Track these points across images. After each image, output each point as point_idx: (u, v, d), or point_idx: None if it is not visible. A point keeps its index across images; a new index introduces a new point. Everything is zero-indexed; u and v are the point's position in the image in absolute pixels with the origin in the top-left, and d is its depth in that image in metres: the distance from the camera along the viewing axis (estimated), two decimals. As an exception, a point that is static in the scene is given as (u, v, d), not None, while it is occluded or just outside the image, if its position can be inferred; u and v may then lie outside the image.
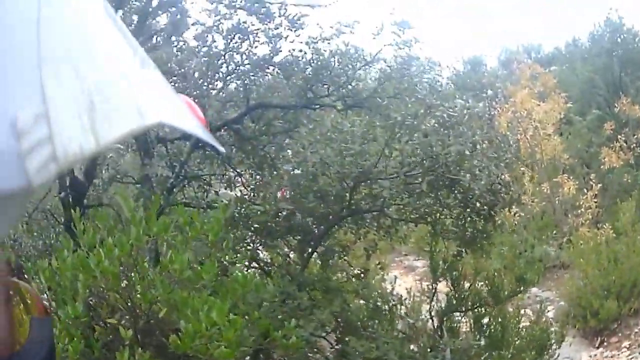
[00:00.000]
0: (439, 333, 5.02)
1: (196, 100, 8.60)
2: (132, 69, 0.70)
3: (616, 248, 10.31)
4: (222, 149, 0.76)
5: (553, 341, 5.88)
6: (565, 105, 15.77)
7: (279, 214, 7.69)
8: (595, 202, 13.84)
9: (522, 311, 7.07)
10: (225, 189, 10.57)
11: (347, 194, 7.63)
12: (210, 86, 9.19)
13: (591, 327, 9.12)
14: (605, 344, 8.89)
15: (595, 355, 8.55)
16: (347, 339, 6.90)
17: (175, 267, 4.78)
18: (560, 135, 15.66)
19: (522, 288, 7.25)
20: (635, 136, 15.70)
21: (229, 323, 4.42)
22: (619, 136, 15.34)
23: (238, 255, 7.01)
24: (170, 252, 4.89)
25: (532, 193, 13.96)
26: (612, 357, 8.40)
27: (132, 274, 4.96)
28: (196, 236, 5.17)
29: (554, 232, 13.96)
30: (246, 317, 5.04)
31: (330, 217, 7.96)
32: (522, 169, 14.02)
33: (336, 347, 7.20)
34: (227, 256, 5.91)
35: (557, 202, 14.28)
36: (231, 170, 10.54)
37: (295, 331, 5.25)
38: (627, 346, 8.57)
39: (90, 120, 0.61)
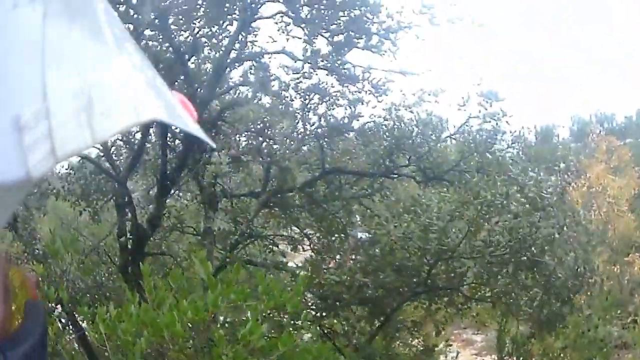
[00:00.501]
0: None
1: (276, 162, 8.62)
2: (127, 65, 0.71)
3: None
4: (213, 144, 0.71)
5: None
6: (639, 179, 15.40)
7: (353, 284, 7.61)
8: None
9: None
10: (291, 250, 10.52)
11: (426, 270, 7.52)
12: (285, 147, 9.08)
13: None
14: None
15: None
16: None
17: (253, 337, 4.73)
18: (633, 212, 15.42)
19: None
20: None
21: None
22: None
23: (310, 325, 6.94)
24: (250, 324, 4.83)
25: (602, 272, 13.54)
26: None
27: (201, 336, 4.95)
28: (274, 306, 5.14)
29: (619, 311, 13.69)
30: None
31: (404, 290, 7.84)
32: (598, 248, 13.86)
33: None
34: (301, 328, 5.85)
35: (625, 281, 13.94)
36: (298, 232, 10.46)
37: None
38: None
39: (88, 116, 0.63)
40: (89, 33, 0.74)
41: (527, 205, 7.05)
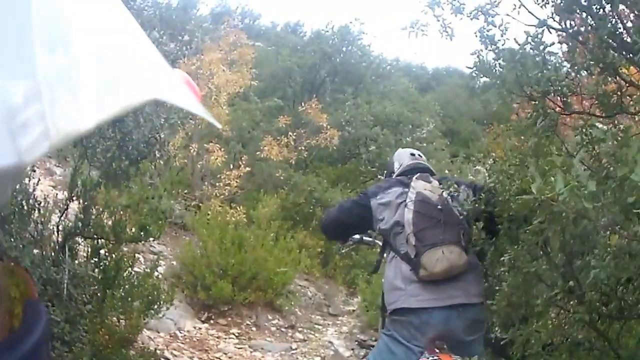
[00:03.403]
0: (62, 251, 5.44)
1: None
2: (127, 43, 0.74)
3: (245, 235, 10.63)
4: (218, 125, 0.90)
5: (162, 299, 6.14)
6: (251, 82, 16.55)
7: None
8: (237, 182, 14.50)
9: (136, 255, 7.32)
10: None
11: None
12: None
13: (200, 299, 9.47)
14: (212, 321, 9.36)
15: (201, 329, 8.93)
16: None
17: None
18: (231, 106, 16.58)
19: (142, 235, 7.74)
20: (308, 141, 16.78)
21: None
22: (291, 133, 16.20)
23: None
24: None
25: (178, 148, 14.30)
26: (218, 337, 8.81)
27: None
28: None
29: (186, 191, 14.49)
30: None
31: None
32: (180, 123, 14.22)
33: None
34: None
35: (198, 165, 14.84)
36: None
37: None
38: (236, 334, 9.14)
39: (83, 96, 0.64)
40: (83, 6, 0.76)
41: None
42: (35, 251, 5.07)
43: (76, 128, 0.65)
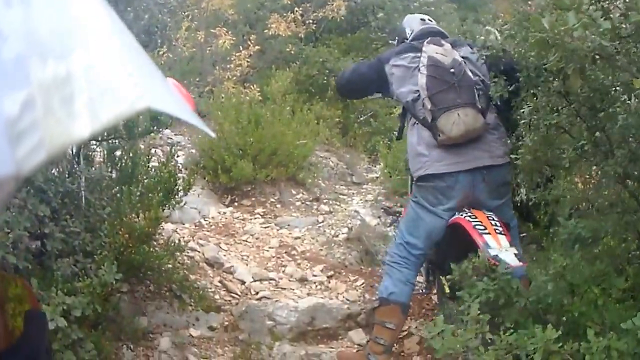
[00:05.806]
0: (77, 159, 5.32)
1: None
2: (120, 52, 0.74)
3: (260, 112, 10.37)
4: (212, 135, 0.88)
5: (180, 187, 6.00)
6: (249, -38, 15.41)
7: None
8: (248, 62, 14.02)
9: (153, 150, 7.13)
10: None
11: None
12: None
13: (222, 183, 9.31)
14: (236, 204, 9.23)
15: (225, 213, 8.79)
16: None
17: None
18: None
19: (155, 128, 7.64)
20: (315, 14, 16.17)
21: None
22: (297, 9, 15.56)
23: None
24: None
25: (187, 38, 13.81)
26: (243, 219, 8.68)
27: None
28: None
29: (197, 79, 13.92)
30: None
31: None
32: (185, 13, 14.04)
33: None
34: None
35: (207, 51, 14.33)
36: None
37: None
38: (261, 213, 9.00)
39: (78, 105, 0.64)
40: (76, 14, 0.73)
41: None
42: (53, 170, 4.93)
43: (70, 137, 0.64)
